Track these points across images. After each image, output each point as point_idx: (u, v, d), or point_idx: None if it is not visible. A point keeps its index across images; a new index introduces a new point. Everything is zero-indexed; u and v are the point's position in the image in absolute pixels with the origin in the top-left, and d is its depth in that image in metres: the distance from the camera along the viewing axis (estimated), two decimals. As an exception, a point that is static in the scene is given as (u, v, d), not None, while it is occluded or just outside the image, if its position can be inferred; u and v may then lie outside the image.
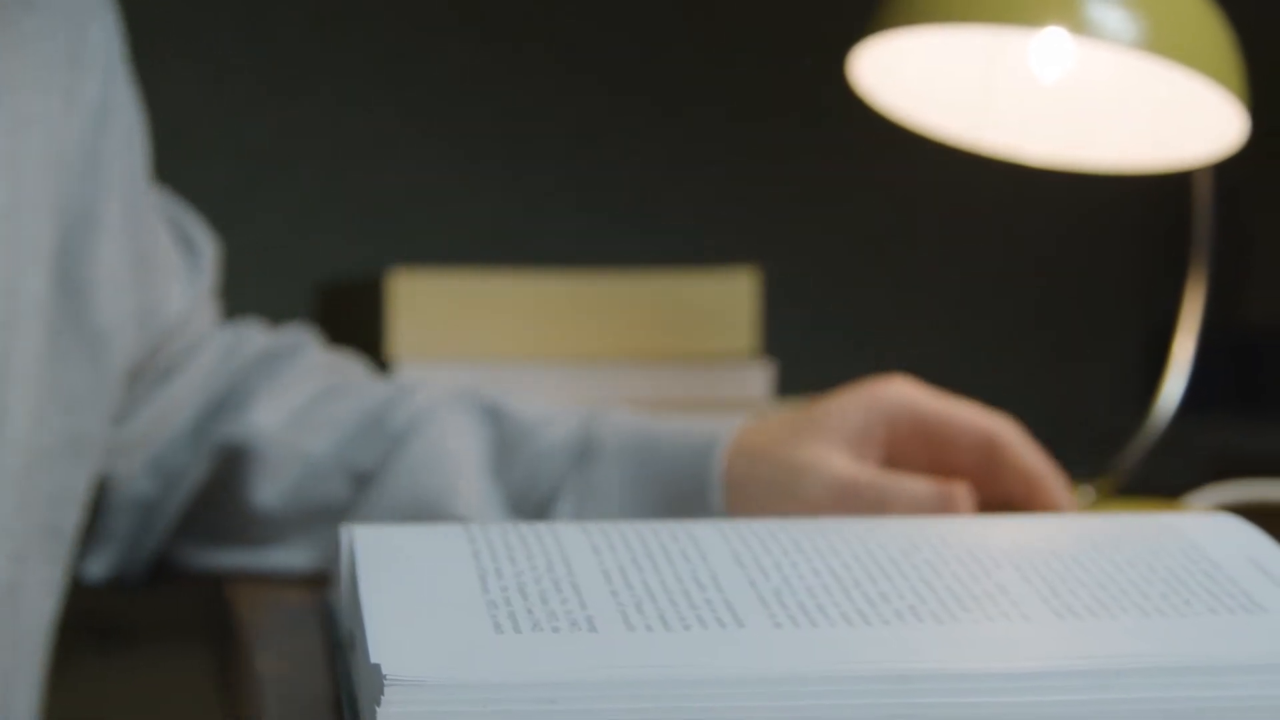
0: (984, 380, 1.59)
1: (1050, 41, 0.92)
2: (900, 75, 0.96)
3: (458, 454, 0.84)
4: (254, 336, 0.92)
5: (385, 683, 0.50)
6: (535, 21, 1.56)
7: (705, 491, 0.82)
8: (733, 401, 1.15)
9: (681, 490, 0.83)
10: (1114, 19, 0.85)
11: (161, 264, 0.88)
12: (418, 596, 0.57)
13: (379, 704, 0.50)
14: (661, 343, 1.16)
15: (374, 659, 0.51)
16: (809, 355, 1.46)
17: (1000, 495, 0.82)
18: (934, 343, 1.58)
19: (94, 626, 1.27)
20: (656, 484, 0.83)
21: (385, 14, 1.54)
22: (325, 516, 0.84)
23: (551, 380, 1.12)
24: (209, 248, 0.92)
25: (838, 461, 0.81)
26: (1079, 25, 0.85)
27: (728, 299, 1.17)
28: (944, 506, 0.79)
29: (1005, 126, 0.98)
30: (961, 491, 0.79)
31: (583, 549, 0.60)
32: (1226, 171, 0.96)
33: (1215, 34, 0.87)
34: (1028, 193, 1.11)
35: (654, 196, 1.55)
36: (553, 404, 0.89)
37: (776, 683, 0.52)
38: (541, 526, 0.63)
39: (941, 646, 0.54)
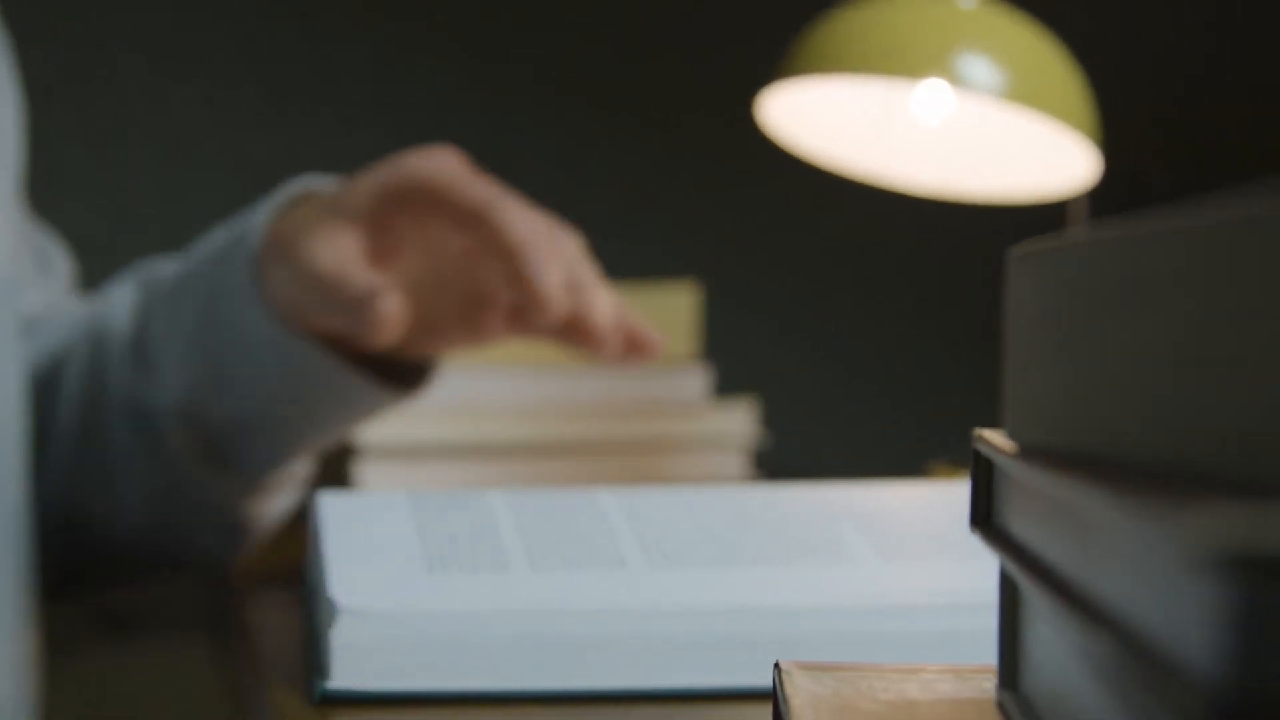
0: (914, 380, 1.69)
1: (931, 90, 1.01)
2: (805, 116, 1.04)
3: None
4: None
5: (338, 611, 0.59)
6: (519, 48, 1.62)
7: (242, 292, 0.81)
8: (676, 401, 1.19)
9: (222, 295, 0.82)
10: (982, 73, 0.95)
11: (24, 270, 0.91)
12: (367, 546, 0.65)
13: (332, 628, 0.59)
14: (613, 348, 1.25)
15: (330, 593, 0.60)
16: (744, 359, 1.54)
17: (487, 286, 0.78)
18: (865, 346, 1.65)
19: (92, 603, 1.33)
20: (201, 305, 0.83)
21: (377, 34, 1.58)
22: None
23: (515, 382, 1.16)
24: (63, 262, 0.97)
25: (324, 252, 0.77)
26: (953, 77, 0.95)
27: (670, 309, 1.21)
28: (362, 306, 0.76)
29: (899, 162, 1.06)
30: (383, 302, 0.76)
31: (503, 509, 0.69)
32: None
33: (1070, 84, 0.96)
34: (965, 210, 1.18)
35: (618, 213, 1.61)
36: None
37: (647, 613, 0.60)
38: (472, 492, 0.72)
39: (784, 585, 0.62)
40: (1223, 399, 0.25)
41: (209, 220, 1.55)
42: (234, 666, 0.78)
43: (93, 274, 1.52)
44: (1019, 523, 0.35)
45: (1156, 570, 0.22)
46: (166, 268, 0.90)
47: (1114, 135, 1.04)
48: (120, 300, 0.88)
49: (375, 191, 0.78)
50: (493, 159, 1.62)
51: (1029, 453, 0.34)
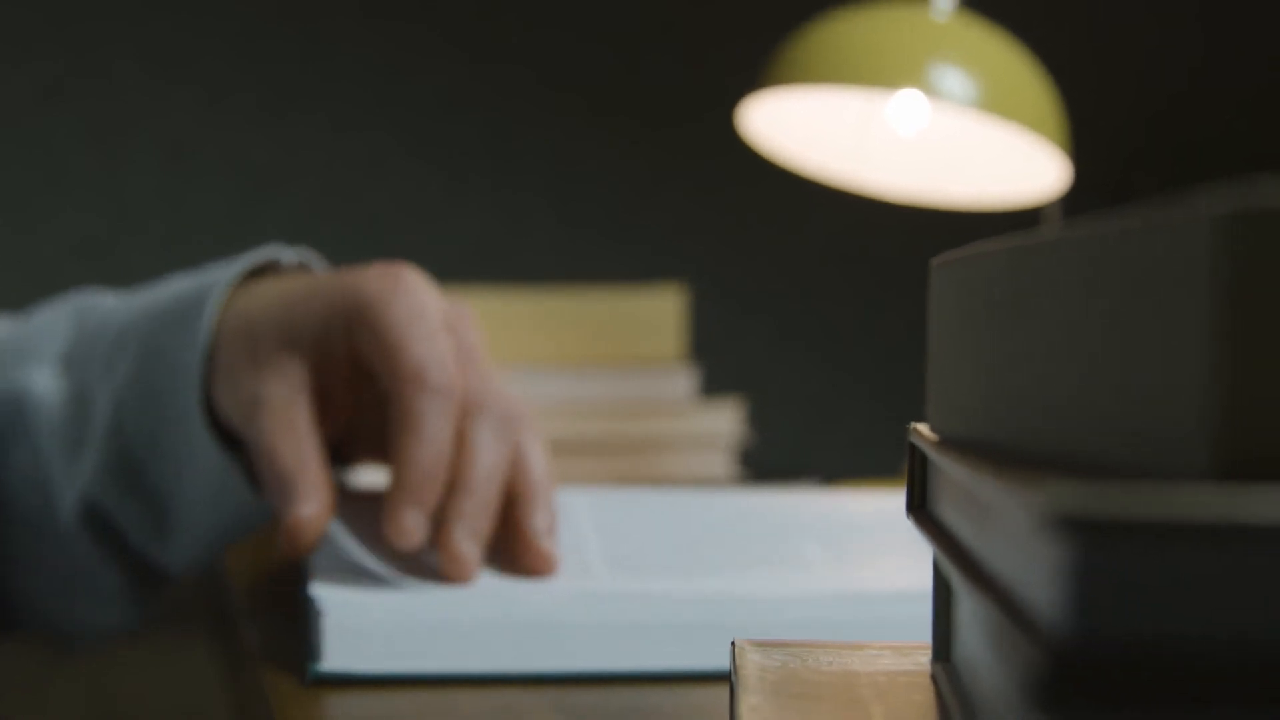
0: (896, 381, 1.72)
1: (907, 100, 1.04)
2: (785, 125, 1.07)
3: None
4: None
5: (329, 597, 0.63)
6: (512, 53, 1.64)
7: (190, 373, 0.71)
8: (663, 401, 1.22)
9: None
10: (956, 83, 0.98)
11: None
12: (352, 549, 0.69)
13: (323, 613, 0.62)
14: (602, 349, 1.23)
15: (321, 580, 0.65)
16: (730, 360, 1.56)
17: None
18: (848, 347, 1.67)
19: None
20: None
21: (376, 35, 1.61)
22: None
23: (508, 383, 1.21)
24: None
25: (277, 390, 0.68)
26: (928, 88, 0.98)
27: (658, 311, 1.24)
28: (283, 499, 0.68)
29: (876, 170, 1.09)
30: (305, 509, 0.67)
31: None
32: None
33: (1041, 93, 0.99)
34: (943, 215, 1.20)
35: (607, 217, 1.64)
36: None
37: (608, 596, 0.63)
38: None
39: (746, 585, 0.65)
40: (1098, 393, 0.29)
41: (208, 221, 1.59)
42: (230, 653, 0.80)
43: (93, 274, 1.55)
44: (943, 508, 0.39)
45: (1020, 538, 0.26)
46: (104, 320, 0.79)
47: (1086, 142, 1.07)
48: (46, 381, 0.78)
49: (322, 317, 0.68)
50: (487, 160, 1.66)
51: (946, 443, 0.37)
